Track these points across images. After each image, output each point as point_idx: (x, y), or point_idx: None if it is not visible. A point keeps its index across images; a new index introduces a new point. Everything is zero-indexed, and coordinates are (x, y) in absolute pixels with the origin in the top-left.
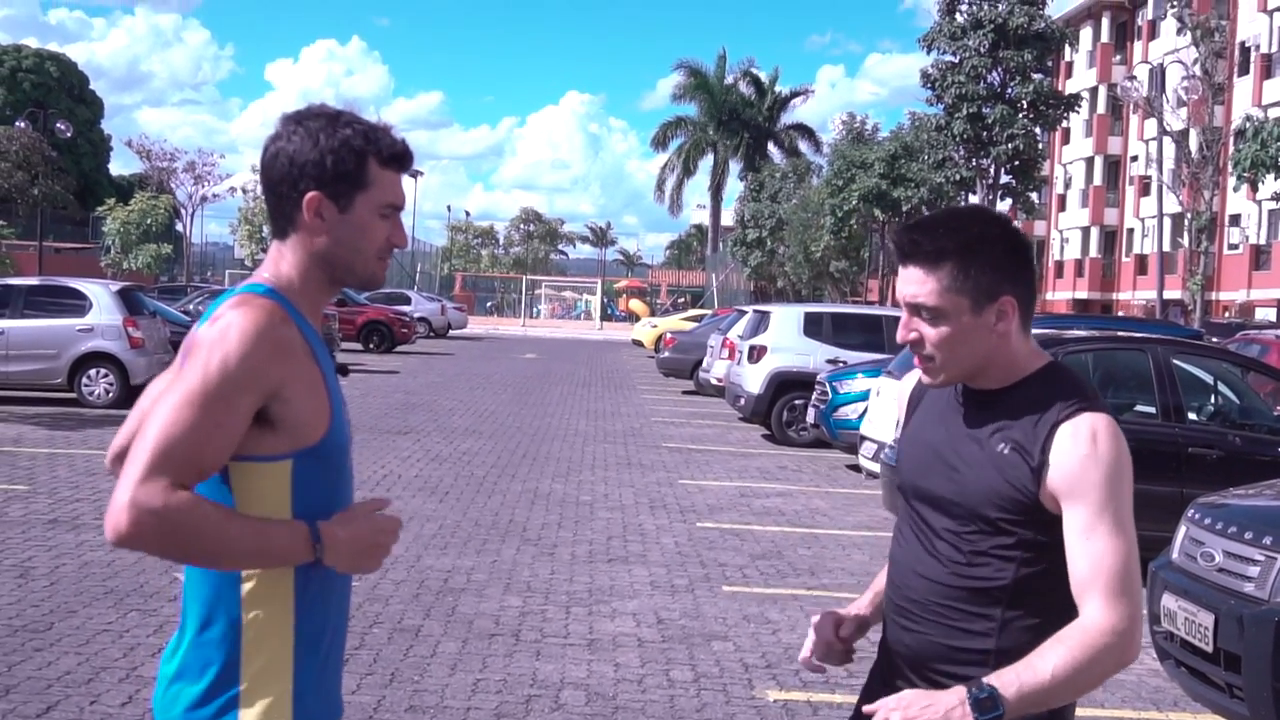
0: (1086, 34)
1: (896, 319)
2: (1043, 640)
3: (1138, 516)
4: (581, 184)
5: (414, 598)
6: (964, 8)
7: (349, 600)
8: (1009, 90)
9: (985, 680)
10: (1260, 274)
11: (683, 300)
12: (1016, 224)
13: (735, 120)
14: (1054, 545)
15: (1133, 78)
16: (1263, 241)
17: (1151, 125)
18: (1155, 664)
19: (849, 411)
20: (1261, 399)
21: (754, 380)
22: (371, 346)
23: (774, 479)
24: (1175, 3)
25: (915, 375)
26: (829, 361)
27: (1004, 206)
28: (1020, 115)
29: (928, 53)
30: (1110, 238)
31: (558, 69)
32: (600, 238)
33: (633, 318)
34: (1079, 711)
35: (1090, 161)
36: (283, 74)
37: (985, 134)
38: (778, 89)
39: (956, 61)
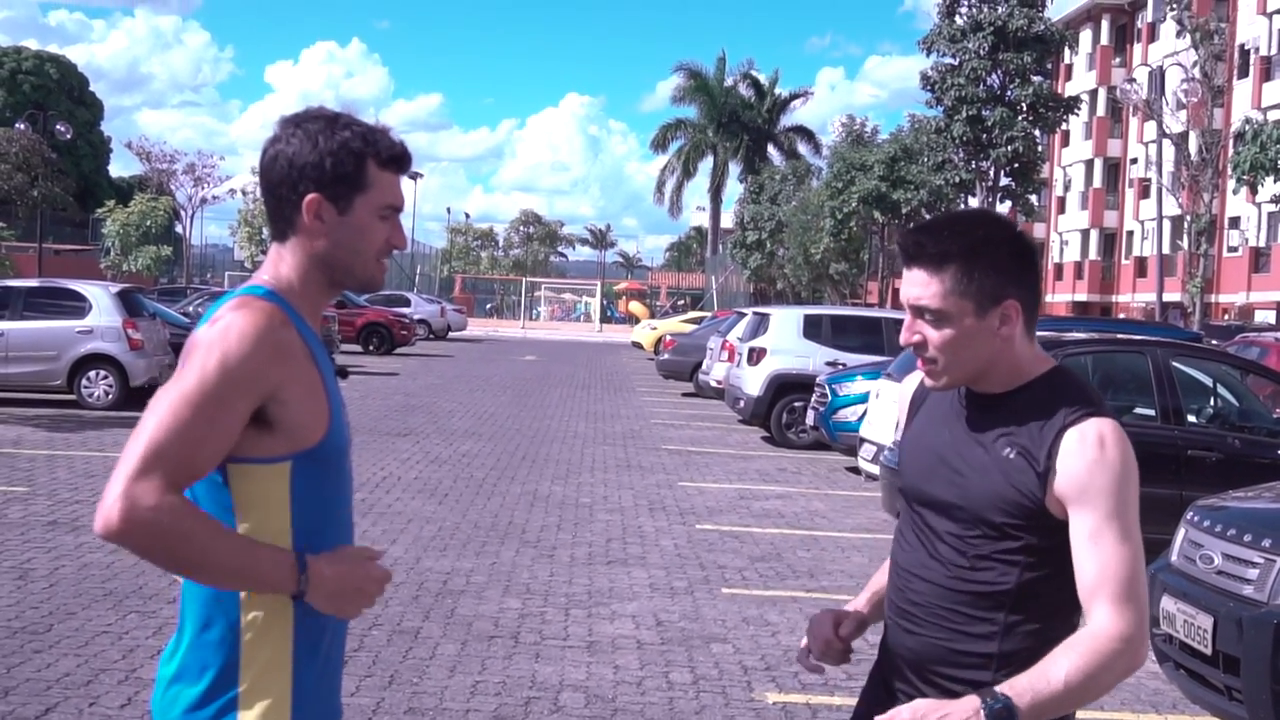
0: (1086, 36)
1: (896, 321)
2: (1045, 644)
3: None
4: (581, 186)
5: (413, 599)
6: (964, 10)
7: None
8: (1009, 93)
9: (999, 690)
10: (1259, 276)
11: (682, 302)
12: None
13: (735, 122)
14: (1057, 550)
15: (1132, 80)
16: (1262, 244)
17: (1151, 128)
18: (1154, 666)
19: (848, 414)
20: (1261, 401)
21: (753, 382)
22: (371, 348)
23: (773, 481)
24: (1175, 5)
25: (916, 377)
26: (828, 364)
27: (1003, 209)
28: (1020, 118)
29: (927, 55)
30: (1110, 240)
31: (557, 71)
32: (600, 240)
33: (632, 320)
34: (1078, 713)
35: (1090, 164)
36: (282, 76)
37: (985, 136)
38: (777, 91)
39: (956, 64)
